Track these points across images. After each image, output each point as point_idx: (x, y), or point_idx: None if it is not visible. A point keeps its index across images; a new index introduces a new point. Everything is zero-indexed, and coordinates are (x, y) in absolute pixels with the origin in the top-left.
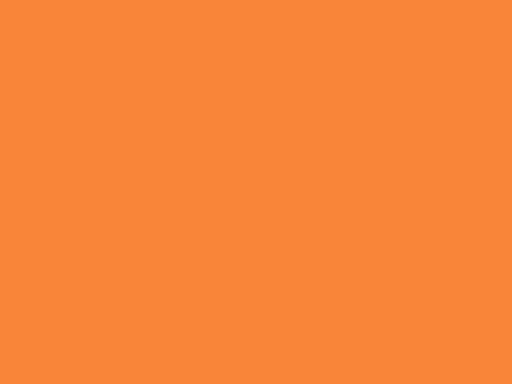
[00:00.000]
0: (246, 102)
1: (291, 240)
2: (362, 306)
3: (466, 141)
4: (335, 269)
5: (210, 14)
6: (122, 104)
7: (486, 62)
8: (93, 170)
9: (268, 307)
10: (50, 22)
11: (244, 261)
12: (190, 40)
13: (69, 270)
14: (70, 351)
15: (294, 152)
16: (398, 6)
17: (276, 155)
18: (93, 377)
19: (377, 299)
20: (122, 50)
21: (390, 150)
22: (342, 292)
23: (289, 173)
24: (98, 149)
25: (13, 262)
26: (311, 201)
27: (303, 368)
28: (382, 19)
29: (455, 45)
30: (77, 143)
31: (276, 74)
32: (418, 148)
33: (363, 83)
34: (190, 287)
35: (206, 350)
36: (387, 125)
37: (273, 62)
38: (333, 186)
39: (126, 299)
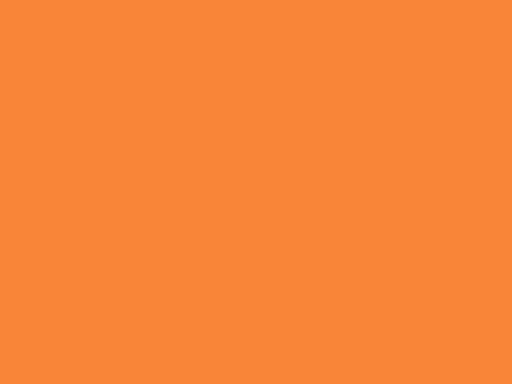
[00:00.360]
0: (246, 102)
1: (291, 240)
2: (362, 305)
3: (465, 140)
4: (335, 269)
5: (210, 14)
6: (122, 104)
7: (486, 62)
8: (92, 169)
9: (268, 307)
10: (50, 22)
11: (244, 260)
12: (190, 40)
13: (69, 270)
14: (70, 351)
15: (294, 152)
16: (398, 7)
17: (276, 155)
18: (93, 377)
19: (377, 299)
20: (122, 50)
21: (389, 150)
22: (342, 292)
23: (289, 173)
24: (97, 149)
25: (13, 262)
26: (311, 201)
27: (303, 368)
28: (382, 19)
29: (455, 45)
30: (76, 143)
31: (276, 74)
32: (418, 148)
33: (363, 83)
34: (190, 287)
35: (205, 350)
36: (387, 124)
37: (272, 62)
38: (333, 186)
39: (126, 299)
